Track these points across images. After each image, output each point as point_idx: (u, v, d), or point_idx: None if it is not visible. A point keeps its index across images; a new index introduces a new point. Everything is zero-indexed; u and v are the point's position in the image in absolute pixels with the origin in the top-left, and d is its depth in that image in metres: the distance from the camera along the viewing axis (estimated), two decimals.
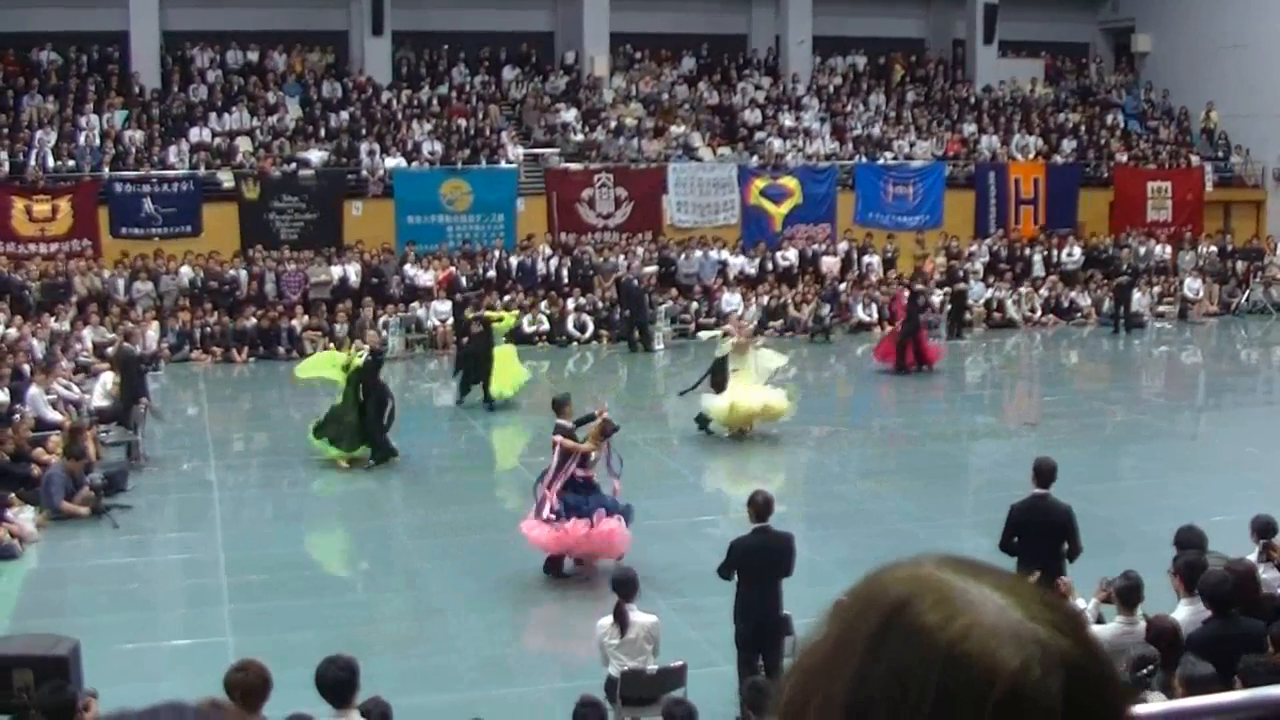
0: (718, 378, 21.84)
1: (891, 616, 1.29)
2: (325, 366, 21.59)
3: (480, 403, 24.19)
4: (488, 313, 25.70)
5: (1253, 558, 11.14)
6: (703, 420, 21.81)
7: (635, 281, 31.15)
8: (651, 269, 32.80)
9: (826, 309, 32.85)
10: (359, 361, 20.03)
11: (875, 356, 28.73)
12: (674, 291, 33.04)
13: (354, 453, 20.02)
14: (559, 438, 14.77)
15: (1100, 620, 9.92)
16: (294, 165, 33.56)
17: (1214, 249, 37.89)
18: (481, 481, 19.93)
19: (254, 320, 29.95)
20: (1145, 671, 7.99)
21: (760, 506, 11.31)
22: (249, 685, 7.54)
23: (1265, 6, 38.66)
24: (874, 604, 1.31)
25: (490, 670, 12.59)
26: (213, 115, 34.82)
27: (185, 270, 30.93)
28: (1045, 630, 1.28)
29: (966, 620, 1.27)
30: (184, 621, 13.90)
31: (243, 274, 31.11)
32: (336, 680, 7.97)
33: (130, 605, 14.33)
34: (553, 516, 14.41)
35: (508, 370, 24.73)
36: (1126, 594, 9.76)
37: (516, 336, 30.56)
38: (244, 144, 34.05)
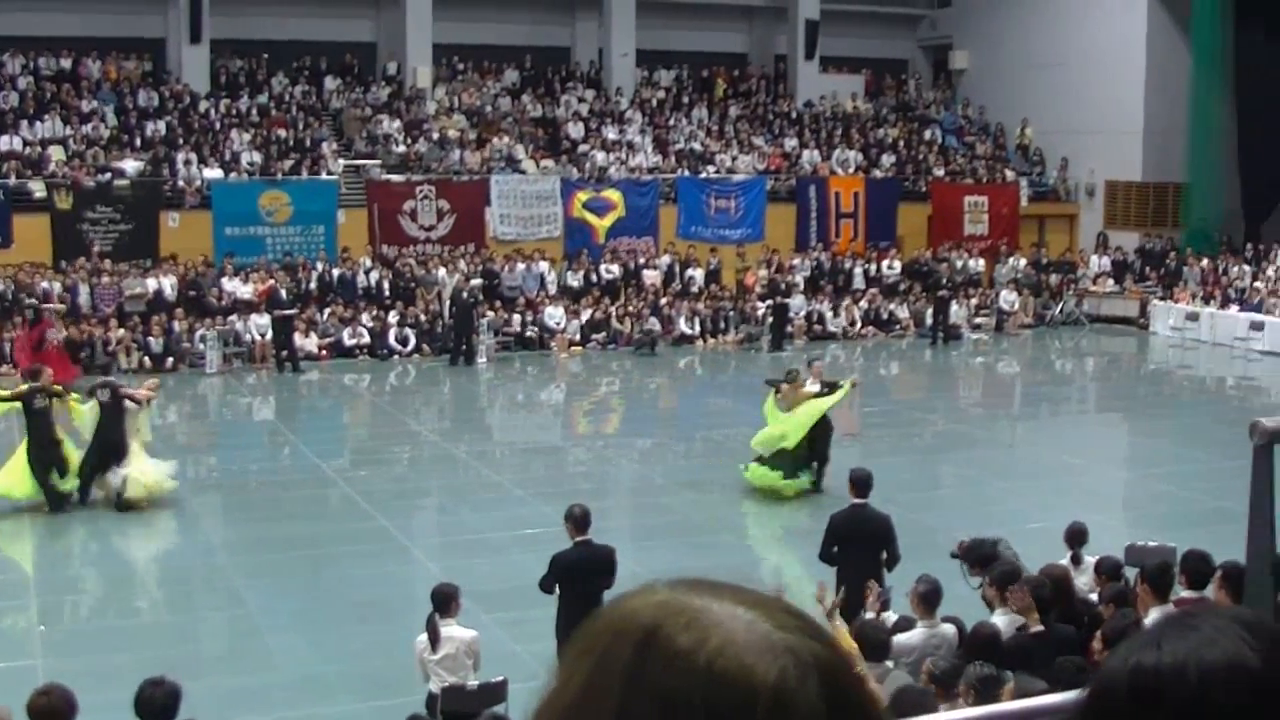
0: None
1: (644, 645, 1.26)
2: None
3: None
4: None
5: (1065, 563, 11.40)
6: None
7: (465, 294, 30.91)
8: (477, 282, 32.58)
9: (653, 321, 32.93)
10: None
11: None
12: (498, 304, 32.85)
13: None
14: None
15: (903, 627, 10.00)
16: (109, 175, 32.77)
17: (1029, 262, 38.74)
18: (300, 497, 19.59)
19: (65, 333, 29.06)
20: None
21: (578, 520, 11.31)
22: (52, 709, 7.32)
23: (1078, 26, 39.63)
24: (623, 635, 1.28)
25: (312, 689, 12.37)
26: (24, 123, 33.88)
27: None
28: (794, 637, 1.28)
29: (719, 639, 1.26)
30: None
31: (55, 286, 30.31)
32: (160, 704, 7.77)
33: None
34: None
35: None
36: (929, 598, 9.85)
37: (339, 349, 30.32)
38: (56, 153, 33.18)
